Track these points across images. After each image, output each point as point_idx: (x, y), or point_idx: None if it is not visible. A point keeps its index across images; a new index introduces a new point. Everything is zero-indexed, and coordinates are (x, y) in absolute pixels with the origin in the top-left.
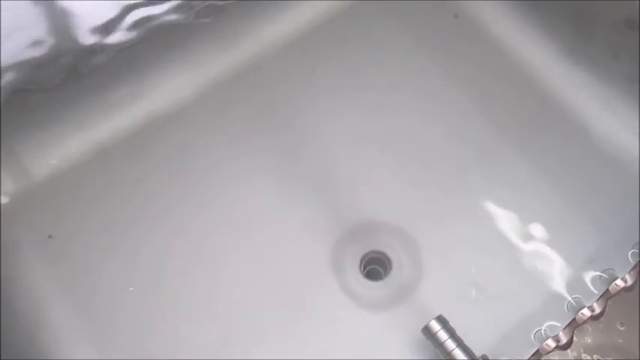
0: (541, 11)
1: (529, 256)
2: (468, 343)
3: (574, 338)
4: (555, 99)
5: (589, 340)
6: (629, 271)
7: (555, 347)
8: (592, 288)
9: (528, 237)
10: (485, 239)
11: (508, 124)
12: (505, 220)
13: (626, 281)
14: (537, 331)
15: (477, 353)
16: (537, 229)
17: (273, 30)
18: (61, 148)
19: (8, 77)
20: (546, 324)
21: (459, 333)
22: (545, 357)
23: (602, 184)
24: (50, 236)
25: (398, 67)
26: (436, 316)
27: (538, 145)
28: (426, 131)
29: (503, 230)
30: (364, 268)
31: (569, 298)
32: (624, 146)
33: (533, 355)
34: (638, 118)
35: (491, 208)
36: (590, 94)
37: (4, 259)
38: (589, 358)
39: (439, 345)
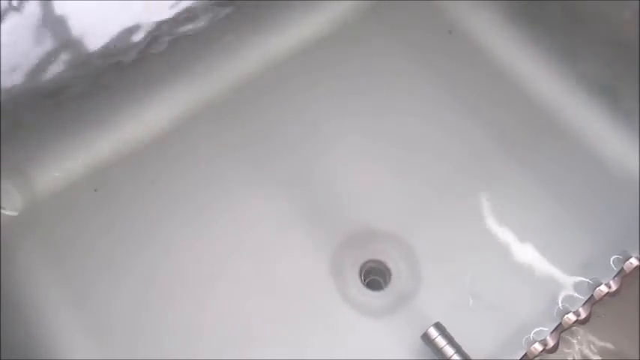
0: (535, 25)
1: (524, 264)
2: (465, 349)
3: (571, 340)
4: (551, 110)
5: (587, 343)
6: (614, 277)
7: (542, 350)
8: (579, 294)
9: (523, 246)
10: (482, 248)
11: (504, 137)
12: (501, 229)
13: (610, 287)
14: (528, 336)
15: (475, 358)
16: (532, 239)
17: (273, 47)
18: (65, 163)
19: (11, 92)
20: (538, 329)
21: (457, 339)
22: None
23: (597, 193)
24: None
25: (395, 81)
26: (434, 322)
27: (535, 157)
28: (423, 144)
29: (500, 240)
30: (364, 278)
31: (560, 305)
32: (621, 155)
33: (521, 358)
34: (638, 128)
35: (487, 218)
36: (586, 104)
37: (9, 266)
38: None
39: (438, 351)
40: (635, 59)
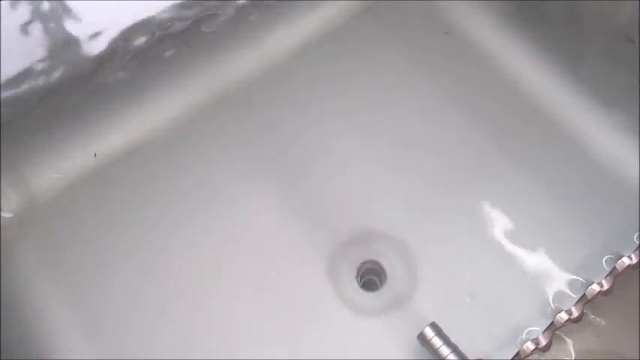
0: (531, 25)
1: (520, 264)
2: (461, 348)
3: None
4: (547, 111)
5: (584, 344)
6: (606, 276)
7: (535, 349)
8: (574, 294)
9: (520, 246)
10: (478, 248)
11: (500, 137)
12: (497, 229)
13: (602, 286)
14: (522, 336)
15: (471, 358)
16: (529, 238)
17: (272, 46)
18: (63, 164)
19: (9, 93)
20: (532, 329)
21: (453, 339)
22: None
23: (596, 194)
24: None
25: (392, 80)
26: (430, 322)
27: (529, 157)
28: (420, 143)
29: (496, 239)
30: (360, 278)
31: (552, 305)
32: (619, 155)
33: (514, 357)
34: (637, 128)
35: (484, 217)
36: (584, 103)
37: (7, 266)
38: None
39: (434, 351)
40: (632, 58)
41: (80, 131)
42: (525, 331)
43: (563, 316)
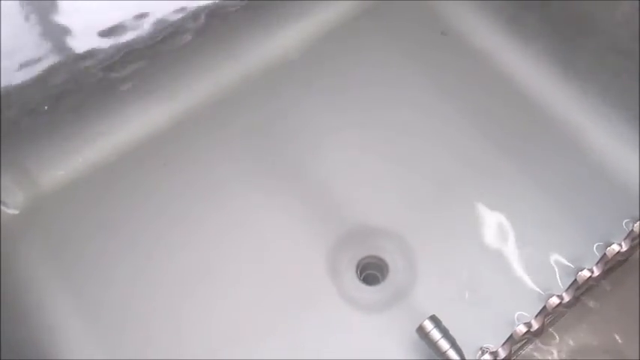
0: (528, 25)
1: (521, 257)
2: (460, 342)
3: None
4: (544, 110)
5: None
6: (596, 263)
7: (527, 332)
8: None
9: (520, 240)
10: (478, 242)
11: (498, 135)
12: (496, 225)
13: (592, 272)
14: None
15: (471, 352)
16: (529, 233)
17: (272, 45)
18: (67, 161)
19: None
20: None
21: (454, 333)
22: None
23: (593, 192)
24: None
25: (390, 80)
26: (429, 316)
27: (527, 154)
28: (418, 142)
29: (496, 233)
30: (361, 273)
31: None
32: (617, 152)
33: (506, 340)
34: (638, 126)
35: (483, 213)
36: (579, 104)
37: (9, 264)
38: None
39: (433, 344)
40: (632, 56)
41: (83, 129)
42: (516, 315)
43: (555, 300)
